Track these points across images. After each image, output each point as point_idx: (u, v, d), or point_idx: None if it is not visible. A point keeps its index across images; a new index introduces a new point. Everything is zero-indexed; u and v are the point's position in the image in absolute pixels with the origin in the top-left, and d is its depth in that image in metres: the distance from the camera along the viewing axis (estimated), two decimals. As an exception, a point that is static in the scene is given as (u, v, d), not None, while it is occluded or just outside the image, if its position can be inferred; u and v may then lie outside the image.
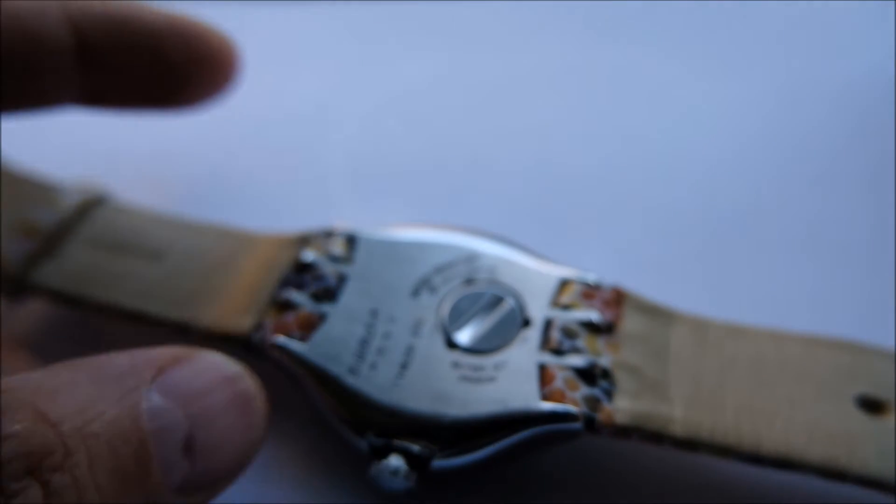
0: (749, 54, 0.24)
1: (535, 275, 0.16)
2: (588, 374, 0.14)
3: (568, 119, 0.23)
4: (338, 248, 0.17)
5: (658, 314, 0.16)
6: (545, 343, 0.15)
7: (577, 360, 0.14)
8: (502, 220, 0.17)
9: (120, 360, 0.12)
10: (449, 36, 0.26)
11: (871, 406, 0.14)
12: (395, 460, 0.14)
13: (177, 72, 0.16)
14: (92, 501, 0.10)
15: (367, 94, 0.24)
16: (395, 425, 0.14)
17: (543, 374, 0.14)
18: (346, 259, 0.17)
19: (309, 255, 0.17)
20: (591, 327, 0.15)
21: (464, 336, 0.15)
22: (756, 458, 0.14)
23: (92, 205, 0.19)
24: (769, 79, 0.24)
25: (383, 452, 0.14)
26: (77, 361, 0.12)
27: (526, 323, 0.15)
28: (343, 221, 0.18)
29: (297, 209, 0.21)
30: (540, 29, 0.26)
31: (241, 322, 0.16)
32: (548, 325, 0.15)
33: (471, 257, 0.16)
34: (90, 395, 0.11)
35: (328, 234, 0.17)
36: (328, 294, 0.16)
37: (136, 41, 0.15)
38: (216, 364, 0.13)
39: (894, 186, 0.20)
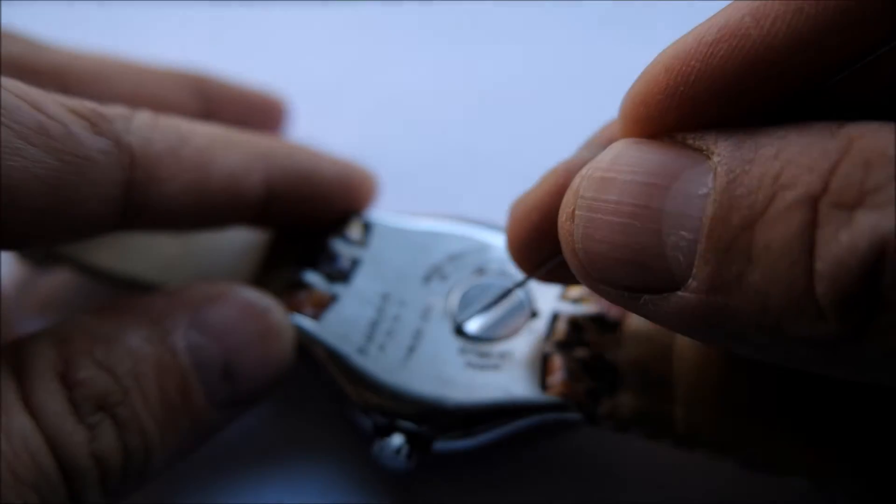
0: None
1: (545, 268, 0.16)
2: (591, 368, 0.15)
3: (573, 118, 0.23)
4: (354, 232, 0.17)
5: (665, 314, 0.16)
6: (551, 335, 0.15)
7: (581, 353, 0.15)
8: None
9: (158, 303, 0.14)
10: (451, 36, 0.26)
11: (867, 423, 0.14)
12: (398, 440, 0.14)
13: (335, 212, 0.18)
14: (149, 426, 0.13)
15: (369, 93, 0.24)
16: (399, 406, 0.14)
17: (547, 364, 0.15)
18: (362, 243, 0.17)
19: (326, 239, 0.17)
20: (597, 322, 0.15)
21: (472, 324, 0.15)
22: (751, 465, 0.14)
23: None
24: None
25: (387, 431, 0.15)
26: (122, 304, 0.14)
27: (534, 314, 0.15)
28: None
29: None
30: (543, 29, 0.26)
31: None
32: (555, 317, 0.15)
33: (483, 248, 0.17)
34: (135, 338, 0.13)
35: (346, 219, 0.18)
36: (341, 276, 0.16)
37: (313, 192, 0.17)
38: (248, 300, 0.15)
39: None
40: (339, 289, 0.16)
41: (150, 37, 0.22)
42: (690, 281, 0.10)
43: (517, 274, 0.16)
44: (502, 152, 0.22)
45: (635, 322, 0.16)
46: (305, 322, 0.15)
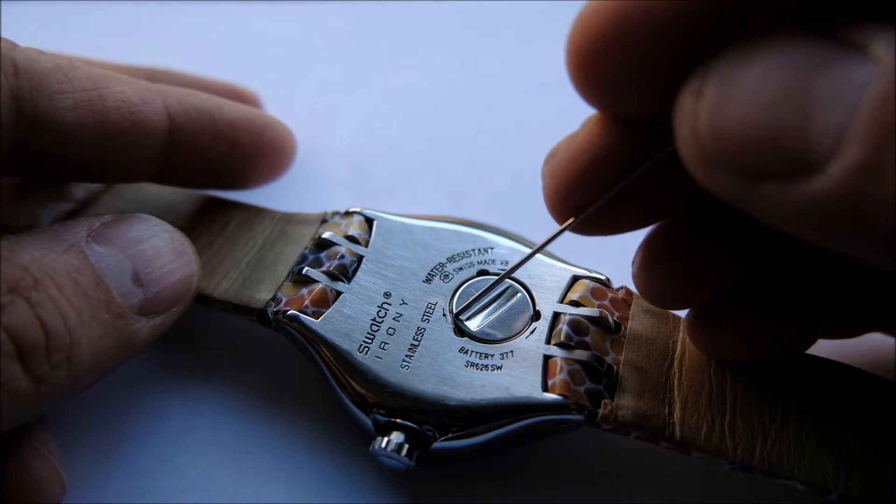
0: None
1: (547, 270, 0.16)
2: (592, 369, 0.15)
3: (574, 119, 0.23)
4: (356, 229, 0.17)
5: (666, 318, 0.16)
6: (552, 336, 0.15)
7: (582, 355, 0.15)
8: (505, 221, 0.18)
9: (54, 227, 0.15)
10: (451, 36, 0.26)
11: (861, 427, 0.14)
12: (398, 438, 0.14)
13: (246, 157, 0.19)
14: (67, 310, 0.13)
15: (369, 93, 0.24)
16: (400, 404, 0.15)
17: (548, 365, 0.15)
18: (364, 241, 0.17)
19: (328, 235, 0.17)
20: (598, 324, 0.15)
21: (473, 324, 0.15)
22: (747, 468, 0.14)
23: None
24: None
25: (387, 430, 0.15)
26: (21, 234, 0.14)
27: (535, 316, 0.16)
28: (362, 206, 0.18)
29: (298, 203, 0.21)
30: (544, 29, 0.26)
31: (258, 294, 0.16)
32: (556, 319, 0.15)
33: (485, 249, 0.17)
34: (41, 248, 0.14)
35: (348, 216, 0.18)
36: (344, 273, 0.16)
37: (218, 129, 0.18)
38: (146, 220, 0.16)
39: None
40: (341, 287, 0.16)
41: (150, 37, 0.22)
42: (833, 164, 0.09)
43: (519, 274, 0.16)
44: (502, 152, 0.23)
45: (636, 325, 0.16)
46: (307, 319, 0.15)
